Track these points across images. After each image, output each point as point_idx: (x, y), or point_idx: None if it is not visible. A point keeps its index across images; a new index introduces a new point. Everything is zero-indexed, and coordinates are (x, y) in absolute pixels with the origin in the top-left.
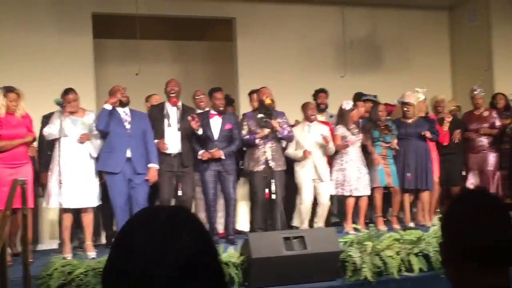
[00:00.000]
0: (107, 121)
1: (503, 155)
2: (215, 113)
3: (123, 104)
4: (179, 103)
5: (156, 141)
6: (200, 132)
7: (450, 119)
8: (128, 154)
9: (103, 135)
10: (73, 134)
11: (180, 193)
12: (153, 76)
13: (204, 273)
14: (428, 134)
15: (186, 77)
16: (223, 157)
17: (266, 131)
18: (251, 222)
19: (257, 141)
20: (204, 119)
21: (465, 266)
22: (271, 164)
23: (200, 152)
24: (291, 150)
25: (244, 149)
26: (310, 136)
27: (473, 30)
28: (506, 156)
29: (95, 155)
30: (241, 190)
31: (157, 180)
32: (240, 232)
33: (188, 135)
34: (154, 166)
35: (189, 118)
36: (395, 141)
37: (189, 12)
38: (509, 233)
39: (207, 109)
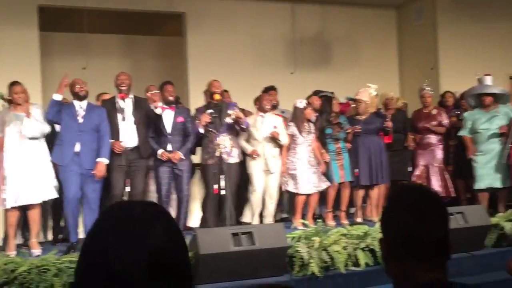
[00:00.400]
0: (56, 111)
1: (450, 152)
2: (167, 106)
3: (80, 98)
4: (131, 95)
5: (111, 141)
6: (158, 111)
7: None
8: (77, 148)
9: (52, 124)
10: (16, 130)
11: (128, 188)
12: (101, 71)
13: (176, 267)
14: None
15: (135, 72)
16: (183, 157)
17: (206, 118)
18: (202, 216)
19: (201, 130)
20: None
21: (406, 262)
22: (224, 157)
23: (159, 152)
24: (243, 140)
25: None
26: (263, 127)
27: (419, 29)
28: (453, 152)
29: (28, 135)
30: (194, 187)
31: (104, 175)
32: (191, 229)
33: (144, 126)
34: (102, 160)
35: (148, 95)
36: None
37: (138, 6)
38: (447, 227)
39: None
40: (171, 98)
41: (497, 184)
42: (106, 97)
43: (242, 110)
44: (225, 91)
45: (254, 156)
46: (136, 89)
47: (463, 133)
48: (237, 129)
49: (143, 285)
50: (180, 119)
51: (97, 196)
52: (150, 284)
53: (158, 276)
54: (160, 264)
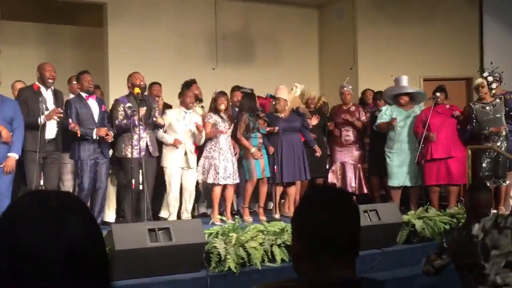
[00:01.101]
0: None
1: (365, 150)
2: (90, 95)
3: None
4: (52, 87)
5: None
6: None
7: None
8: None
9: None
10: None
11: (42, 182)
12: (17, 59)
13: (92, 259)
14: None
15: (53, 62)
16: (112, 139)
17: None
18: (118, 211)
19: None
20: (81, 102)
21: (320, 259)
22: (151, 149)
23: (95, 131)
24: (160, 132)
25: None
26: (185, 122)
27: (340, 29)
28: (368, 150)
29: None
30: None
31: (12, 170)
32: (107, 223)
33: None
34: (13, 155)
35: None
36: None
37: None
38: (359, 225)
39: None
40: (91, 88)
41: (409, 182)
42: (19, 85)
43: (164, 105)
44: (158, 84)
45: (177, 145)
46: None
47: (380, 121)
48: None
49: (56, 275)
50: (104, 108)
51: (8, 187)
52: (63, 275)
53: (72, 267)
54: (75, 255)
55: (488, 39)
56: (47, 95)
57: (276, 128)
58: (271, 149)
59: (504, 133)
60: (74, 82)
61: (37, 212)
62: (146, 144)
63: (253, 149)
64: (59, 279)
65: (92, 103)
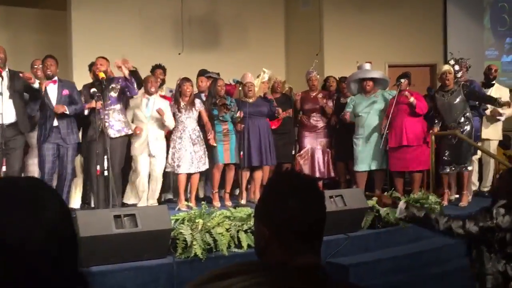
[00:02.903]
0: None
1: (332, 135)
2: (49, 81)
3: None
4: (6, 69)
5: None
6: (36, 85)
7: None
8: None
9: None
10: None
11: (4, 168)
12: None
13: (69, 240)
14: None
15: (15, 45)
16: (66, 112)
17: (96, 103)
18: (84, 197)
19: (86, 111)
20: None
21: (289, 245)
22: (109, 131)
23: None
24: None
25: None
26: (148, 110)
27: (306, 15)
28: (334, 136)
29: None
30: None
31: None
32: (72, 210)
33: (21, 100)
34: None
35: (21, 75)
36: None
37: None
38: (325, 210)
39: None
40: (49, 73)
41: (374, 166)
42: None
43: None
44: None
45: (137, 132)
46: (15, 64)
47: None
48: (125, 97)
49: (39, 260)
50: (66, 92)
51: None
52: (45, 259)
53: (53, 250)
54: (55, 239)
55: (451, 27)
56: (1, 77)
57: (242, 126)
58: (239, 126)
59: (462, 119)
60: (36, 66)
61: (13, 199)
62: (103, 125)
63: (210, 136)
64: (42, 264)
65: (51, 88)
